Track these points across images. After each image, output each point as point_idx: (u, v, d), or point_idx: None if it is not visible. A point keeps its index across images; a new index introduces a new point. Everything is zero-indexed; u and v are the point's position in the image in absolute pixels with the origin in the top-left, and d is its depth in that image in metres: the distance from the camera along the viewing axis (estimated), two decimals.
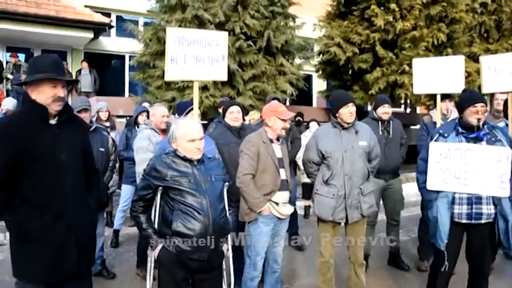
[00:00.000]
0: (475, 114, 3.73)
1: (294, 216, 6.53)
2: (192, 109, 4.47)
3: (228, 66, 9.74)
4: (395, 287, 5.02)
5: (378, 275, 5.44)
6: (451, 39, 13.42)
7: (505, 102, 5.50)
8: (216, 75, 4.64)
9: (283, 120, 4.12)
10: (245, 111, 5.86)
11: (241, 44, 9.87)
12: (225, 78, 4.74)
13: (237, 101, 5.73)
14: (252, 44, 10.16)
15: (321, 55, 13.91)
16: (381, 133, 5.35)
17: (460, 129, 3.83)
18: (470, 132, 3.78)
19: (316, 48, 14.48)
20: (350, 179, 4.15)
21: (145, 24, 13.73)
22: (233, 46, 9.79)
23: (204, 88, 9.73)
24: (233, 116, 4.91)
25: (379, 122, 5.42)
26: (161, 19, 10.80)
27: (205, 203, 3.11)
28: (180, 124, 3.31)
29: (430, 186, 3.83)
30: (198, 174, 3.19)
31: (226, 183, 3.44)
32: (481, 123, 3.73)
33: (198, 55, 4.41)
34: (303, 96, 14.39)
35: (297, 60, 12.26)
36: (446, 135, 3.86)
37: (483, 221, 3.74)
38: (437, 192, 3.80)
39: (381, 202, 5.51)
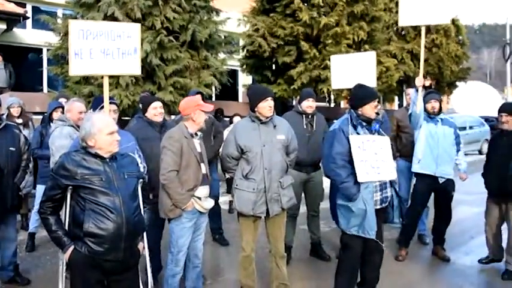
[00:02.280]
0: (374, 109, 4.03)
1: (217, 211, 6.55)
2: (103, 106, 4.30)
3: (150, 62, 9.72)
4: (317, 277, 5.12)
5: (301, 266, 5.56)
6: (371, 37, 13.93)
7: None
8: (128, 69, 4.46)
9: (205, 112, 4.15)
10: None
11: (162, 38, 9.68)
12: (138, 72, 4.59)
13: (157, 97, 5.62)
14: (173, 39, 9.98)
15: (246, 49, 13.97)
16: (304, 126, 5.45)
17: (363, 123, 4.04)
18: (369, 125, 4.05)
19: (241, 43, 14.54)
20: (269, 172, 4.18)
21: (65, 15, 13.14)
22: (154, 41, 9.59)
23: (125, 86, 9.45)
24: (156, 112, 4.89)
25: (303, 116, 5.50)
26: (77, 13, 10.38)
27: (118, 202, 3.01)
28: (94, 119, 3.17)
29: (360, 179, 3.87)
30: (110, 171, 3.07)
31: (141, 180, 3.36)
32: (378, 116, 4.09)
33: (106, 48, 4.22)
34: (228, 91, 14.41)
35: (222, 55, 12.24)
36: (356, 127, 4.02)
37: (386, 204, 4.11)
38: (359, 184, 3.90)
39: (302, 194, 5.63)
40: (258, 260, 4.77)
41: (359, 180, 3.87)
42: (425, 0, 5.61)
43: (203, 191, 4.15)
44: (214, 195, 6.29)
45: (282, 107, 13.49)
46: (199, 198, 4.11)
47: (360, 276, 4.27)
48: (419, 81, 5.50)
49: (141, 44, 9.01)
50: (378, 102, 4.12)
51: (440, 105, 5.77)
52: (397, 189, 4.28)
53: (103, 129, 3.09)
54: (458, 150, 5.75)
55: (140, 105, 6.72)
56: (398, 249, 5.88)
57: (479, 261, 5.52)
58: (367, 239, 4.01)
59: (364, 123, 4.02)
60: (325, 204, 5.19)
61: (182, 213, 4.04)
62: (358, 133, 3.98)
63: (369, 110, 4.01)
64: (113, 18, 9.42)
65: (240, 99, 18.61)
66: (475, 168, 6.95)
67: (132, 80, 9.49)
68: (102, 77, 4.47)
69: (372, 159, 3.92)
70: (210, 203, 4.24)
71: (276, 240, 4.41)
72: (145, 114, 4.97)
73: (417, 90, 5.54)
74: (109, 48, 4.26)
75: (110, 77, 8.78)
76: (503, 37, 30.65)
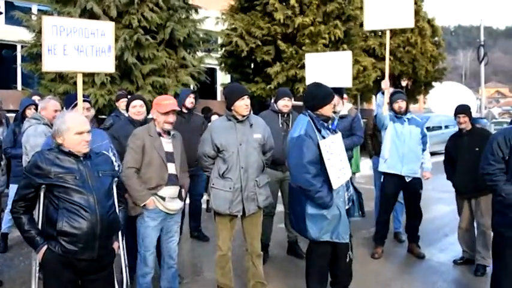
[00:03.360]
0: (332, 108, 4.04)
1: (197, 209, 6.53)
2: (76, 104, 4.26)
3: (126, 60, 9.62)
4: (294, 275, 5.13)
5: (278, 264, 5.57)
6: (348, 36, 14.04)
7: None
8: (102, 67, 4.44)
9: (165, 113, 4.05)
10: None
11: (139, 37, 9.59)
12: (112, 70, 4.56)
13: (139, 95, 5.57)
14: (150, 38, 9.90)
15: (224, 48, 13.96)
16: (280, 125, 5.46)
17: (325, 124, 3.95)
18: (328, 125, 3.99)
19: (220, 41, 14.51)
20: (246, 171, 4.19)
21: (40, 11, 12.92)
22: (131, 39, 9.50)
23: (101, 84, 9.35)
24: (135, 110, 4.89)
25: (279, 115, 5.51)
26: (53, 9, 10.22)
27: (92, 200, 2.98)
28: (66, 117, 3.15)
29: (335, 185, 3.77)
30: (84, 170, 3.04)
31: (116, 179, 3.33)
32: (338, 114, 4.05)
33: (80, 45, 4.19)
34: (207, 90, 14.37)
35: (200, 54, 12.19)
36: (321, 131, 3.87)
37: (351, 202, 4.09)
38: (331, 190, 3.79)
39: (279, 193, 5.64)
40: (236, 258, 4.78)
41: (334, 187, 3.76)
42: (389, 5, 5.75)
43: (169, 191, 4.11)
44: (199, 193, 6.31)
45: (260, 105, 13.53)
46: (163, 199, 4.07)
47: (331, 276, 4.24)
48: (384, 84, 5.59)
49: (116, 42, 8.96)
50: (342, 98, 4.11)
51: (407, 105, 5.87)
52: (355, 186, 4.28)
53: (72, 128, 3.05)
54: (424, 150, 5.86)
55: (117, 104, 6.75)
56: (374, 247, 5.94)
57: (455, 261, 5.63)
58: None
59: (325, 124, 3.94)
60: None
61: (144, 212, 4.03)
62: (323, 136, 3.84)
63: (329, 109, 3.96)
64: (90, 13, 9.32)
65: (219, 97, 18.59)
66: None
67: (107, 79, 9.38)
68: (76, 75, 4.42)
69: (338, 161, 3.88)
70: (177, 205, 4.20)
71: (253, 239, 4.42)
72: (128, 113, 5.00)
73: (383, 93, 5.62)
74: (83, 46, 4.23)
75: (86, 75, 8.74)
76: (477, 39, 31.17)
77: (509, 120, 7.28)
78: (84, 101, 4.40)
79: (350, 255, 4.03)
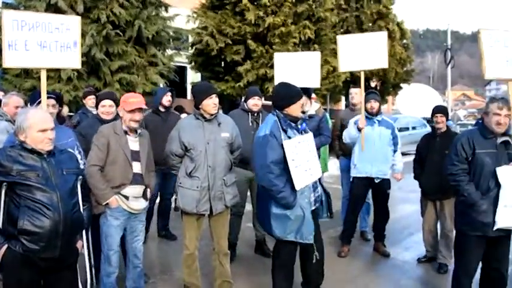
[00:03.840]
0: (300, 108, 4.00)
1: (166, 208, 6.48)
2: (40, 102, 4.16)
3: (94, 56, 9.48)
4: (261, 274, 5.14)
5: (245, 263, 5.58)
6: (319, 36, 14.16)
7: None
8: (66, 62, 4.34)
9: (131, 111, 3.97)
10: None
11: (108, 32, 9.45)
12: (78, 66, 4.47)
13: (111, 94, 5.45)
14: (120, 33, 9.78)
15: (194, 46, 13.89)
16: (250, 124, 5.46)
17: (293, 124, 3.94)
18: (296, 125, 3.98)
19: (190, 39, 14.43)
20: (213, 170, 4.17)
21: (6, 4, 12.57)
22: (99, 35, 9.36)
23: (67, 80, 9.18)
24: (104, 110, 4.83)
25: (249, 114, 5.51)
26: (18, 2, 10.00)
27: (56, 198, 2.93)
28: (29, 114, 3.08)
29: (298, 186, 3.75)
30: (47, 167, 2.99)
31: (80, 177, 3.28)
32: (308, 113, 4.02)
33: (43, 41, 4.09)
34: (177, 88, 14.23)
35: (170, 52, 12.10)
36: (286, 131, 3.86)
37: (319, 203, 4.09)
38: (295, 191, 3.78)
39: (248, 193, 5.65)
40: (203, 257, 4.77)
41: (296, 188, 3.75)
42: (363, 47, 5.76)
43: (133, 190, 4.04)
44: (169, 192, 6.26)
45: (230, 104, 13.52)
46: (127, 198, 4.01)
47: (303, 275, 4.27)
48: (361, 123, 5.63)
49: (84, 37, 8.80)
50: (310, 98, 4.10)
51: (380, 105, 5.93)
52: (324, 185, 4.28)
53: (34, 126, 3.00)
54: (395, 151, 5.93)
55: (84, 101, 6.65)
56: (340, 245, 6.01)
57: (418, 259, 5.74)
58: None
59: (293, 124, 3.93)
60: None
61: (107, 211, 3.97)
62: (289, 137, 3.83)
63: (297, 109, 3.94)
64: (56, 8, 9.13)
65: (189, 96, 18.47)
66: None
67: (74, 74, 9.21)
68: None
69: (304, 161, 3.85)
70: (141, 204, 4.14)
71: (220, 238, 4.41)
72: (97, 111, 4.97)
73: (360, 130, 5.67)
74: (46, 41, 4.13)
75: (51, 70, 8.56)
76: (445, 42, 31.84)
77: (473, 122, 7.46)
78: (49, 97, 4.31)
79: (316, 255, 4.03)
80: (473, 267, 3.99)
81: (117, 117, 4.83)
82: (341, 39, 5.99)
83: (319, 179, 4.12)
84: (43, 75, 4.20)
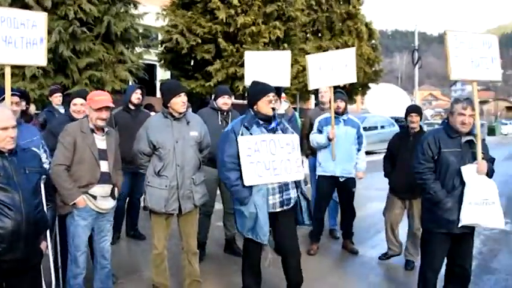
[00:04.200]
0: (269, 104, 3.93)
1: (135, 207, 6.39)
2: (3, 99, 4.05)
3: (61, 53, 9.28)
4: (231, 273, 5.14)
5: (215, 262, 5.56)
6: (288, 36, 14.23)
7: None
8: (32, 59, 4.23)
9: (98, 110, 3.91)
10: None
11: (75, 29, 9.27)
12: (43, 63, 4.35)
13: (84, 92, 5.34)
14: (87, 30, 9.60)
15: (164, 44, 13.77)
16: (220, 123, 5.44)
17: (260, 121, 3.94)
18: (267, 123, 3.96)
19: (160, 37, 14.30)
20: (182, 169, 4.14)
21: None
22: (66, 31, 9.17)
23: (32, 77, 8.97)
24: (75, 108, 4.73)
25: (219, 112, 5.50)
26: None
27: (18, 198, 2.85)
28: None
29: (247, 182, 3.78)
30: (9, 166, 2.90)
31: (44, 176, 3.20)
32: (275, 112, 3.98)
33: (8, 36, 3.97)
34: (146, 86, 14.09)
35: (139, 49, 11.96)
36: (249, 128, 3.88)
37: (291, 205, 4.00)
38: (251, 187, 3.81)
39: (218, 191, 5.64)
40: (172, 257, 4.73)
41: (245, 183, 3.76)
42: (332, 64, 5.85)
43: (101, 189, 3.97)
44: (139, 191, 6.17)
45: (199, 103, 13.46)
46: (94, 197, 3.94)
47: (286, 279, 4.21)
48: (332, 134, 5.69)
49: (50, 34, 8.62)
50: (279, 97, 4.07)
51: (346, 105, 6.00)
52: (304, 188, 4.19)
53: None
54: (359, 150, 6.00)
55: (50, 98, 6.53)
56: (309, 244, 6.05)
57: (380, 257, 5.79)
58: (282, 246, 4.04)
59: (262, 122, 3.93)
60: None
61: (74, 211, 3.89)
62: (251, 133, 3.86)
63: (264, 106, 3.91)
64: (22, 3, 8.91)
65: (158, 94, 18.31)
66: None
67: (39, 72, 9.00)
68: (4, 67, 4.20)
69: (268, 160, 3.84)
70: (109, 204, 4.07)
71: (188, 237, 4.38)
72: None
73: (330, 140, 5.72)
74: (11, 37, 4.01)
75: (15, 67, 8.35)
76: (412, 43, 32.42)
77: (440, 122, 7.61)
78: (13, 94, 4.20)
79: (269, 259, 4.06)
80: (438, 263, 4.07)
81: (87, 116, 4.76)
82: (310, 58, 6.09)
83: (297, 184, 4.04)
84: (7, 72, 4.08)
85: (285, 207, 3.95)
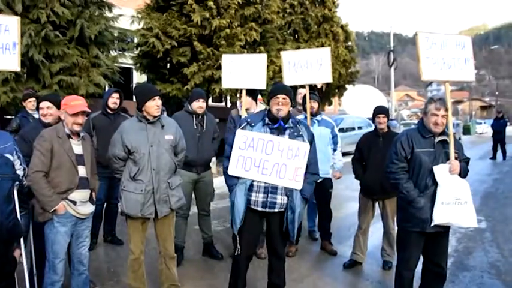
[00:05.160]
0: (275, 105, 3.94)
1: (112, 212, 6.31)
2: None
3: (32, 57, 9.13)
4: (209, 277, 5.14)
5: (193, 266, 5.53)
6: (265, 38, 14.26)
7: (305, 96, 5.99)
8: (5, 64, 4.17)
9: (74, 115, 3.86)
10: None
11: (47, 33, 9.12)
12: (17, 68, 4.29)
13: (52, 95, 5.26)
14: (59, 34, 9.44)
15: (140, 48, 13.66)
16: (195, 127, 5.44)
17: (267, 120, 4.01)
18: (273, 123, 3.99)
19: (136, 40, 14.18)
20: (158, 173, 4.12)
21: None
22: (38, 36, 9.01)
23: (4, 81, 8.79)
24: (42, 112, 4.62)
25: (194, 116, 5.48)
26: None
27: None
28: None
29: (230, 171, 3.96)
30: None
31: (17, 183, 3.14)
32: (280, 114, 3.93)
33: None
34: (123, 90, 13.96)
35: (114, 53, 11.82)
36: (253, 124, 4.01)
37: (276, 210, 3.96)
38: (238, 178, 3.95)
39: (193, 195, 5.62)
40: (150, 261, 4.70)
41: (228, 172, 3.97)
42: (306, 64, 5.88)
43: (80, 195, 3.94)
44: (116, 196, 6.10)
45: (176, 106, 13.39)
46: (74, 203, 3.90)
47: (268, 280, 4.28)
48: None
49: (22, 38, 8.47)
50: (255, 100, 4.15)
51: (319, 105, 6.04)
52: (298, 204, 3.98)
53: None
54: (334, 150, 6.05)
55: (24, 103, 6.42)
56: (288, 245, 6.04)
57: (344, 265, 5.60)
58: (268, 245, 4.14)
59: (268, 121, 4.00)
60: (216, 204, 5.22)
61: (54, 218, 3.82)
62: (252, 129, 3.98)
63: (273, 107, 3.95)
64: None
65: (134, 98, 18.17)
66: None
67: (11, 75, 8.83)
68: None
69: (259, 158, 3.90)
70: (88, 208, 4.04)
71: (165, 241, 4.35)
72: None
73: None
74: None
75: None
76: (388, 44, 32.86)
77: (416, 122, 7.69)
78: None
79: (238, 249, 4.06)
80: (414, 261, 4.11)
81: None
82: (285, 54, 6.12)
83: (289, 194, 3.95)
84: None
85: (267, 209, 3.96)
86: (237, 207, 3.93)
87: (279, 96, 3.94)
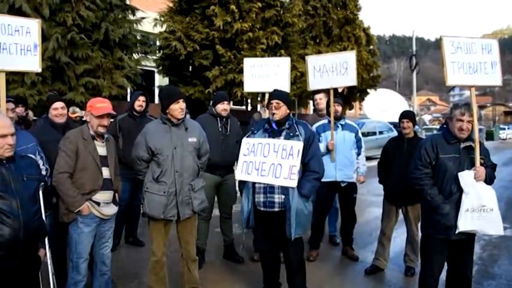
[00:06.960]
0: (270, 110, 4.21)
1: (135, 213, 6.35)
2: None
3: (58, 60, 9.27)
4: (230, 280, 5.13)
5: (214, 269, 5.53)
6: (286, 42, 14.24)
7: (328, 101, 5.96)
8: (26, 66, 4.24)
9: (99, 117, 3.92)
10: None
11: (73, 36, 9.26)
12: (38, 69, 4.35)
13: (61, 97, 5.36)
14: (84, 37, 9.58)
15: (162, 50, 13.76)
16: (219, 129, 5.44)
17: (266, 126, 4.23)
18: (270, 127, 4.20)
19: (158, 43, 14.30)
20: (181, 175, 4.13)
21: None
22: (64, 38, 9.16)
23: (31, 84, 8.95)
24: (57, 112, 4.65)
25: (218, 118, 5.48)
26: None
27: (16, 205, 2.82)
28: None
29: (238, 177, 4.25)
30: (6, 174, 2.87)
31: (42, 184, 3.18)
32: (275, 117, 4.16)
33: (2, 43, 3.98)
34: None
35: (137, 56, 11.94)
36: (255, 132, 4.30)
37: (276, 209, 4.10)
38: (245, 182, 4.23)
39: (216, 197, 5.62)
40: (171, 263, 4.70)
41: (236, 177, 4.31)
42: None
43: (103, 196, 3.98)
44: (139, 198, 6.13)
45: (198, 108, 13.45)
46: (98, 204, 3.95)
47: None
48: (331, 145, 5.72)
49: (48, 41, 8.60)
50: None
51: (343, 109, 5.99)
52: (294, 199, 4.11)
53: None
54: (359, 154, 5.99)
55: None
56: (309, 250, 6.02)
57: (365, 271, 5.52)
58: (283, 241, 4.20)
59: (267, 126, 4.26)
60: (237, 207, 5.21)
61: (78, 218, 3.87)
62: (254, 136, 4.27)
63: (269, 111, 4.25)
64: (19, 11, 8.90)
65: (156, 100, 18.31)
66: None
67: (38, 78, 9.00)
68: None
69: (259, 161, 4.05)
70: (112, 210, 4.09)
71: (187, 244, 4.36)
72: (48, 115, 4.74)
73: (329, 151, 5.73)
74: (5, 43, 4.03)
75: (14, 74, 8.34)
76: (410, 48, 32.55)
77: (438, 127, 7.58)
78: (8, 101, 4.18)
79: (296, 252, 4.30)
80: (438, 268, 4.04)
81: (68, 120, 4.73)
82: (310, 59, 6.12)
83: (285, 192, 4.07)
84: (2, 78, 4.08)
85: (268, 209, 4.14)
86: (243, 209, 4.25)
87: (272, 101, 4.19)
